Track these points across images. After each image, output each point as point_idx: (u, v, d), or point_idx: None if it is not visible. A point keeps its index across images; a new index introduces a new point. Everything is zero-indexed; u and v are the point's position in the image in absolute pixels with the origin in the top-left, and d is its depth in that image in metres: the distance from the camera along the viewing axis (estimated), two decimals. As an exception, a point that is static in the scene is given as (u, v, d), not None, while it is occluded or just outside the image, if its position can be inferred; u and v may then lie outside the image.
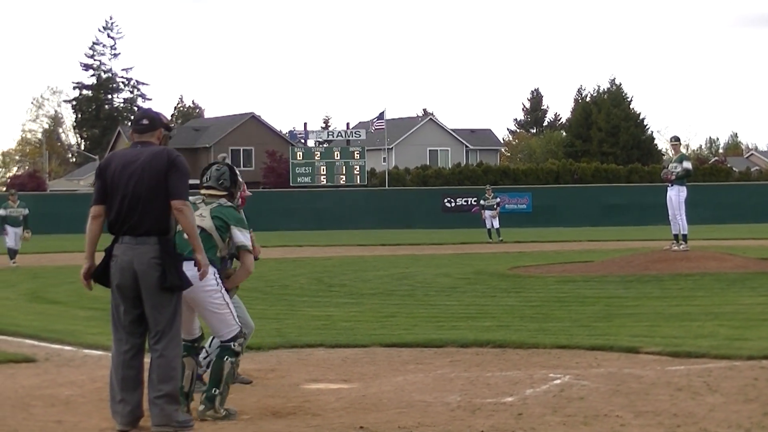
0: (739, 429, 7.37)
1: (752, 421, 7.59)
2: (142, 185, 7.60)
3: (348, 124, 72.57)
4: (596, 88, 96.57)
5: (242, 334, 8.37)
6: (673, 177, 22.54)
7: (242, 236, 8.39)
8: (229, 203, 8.49)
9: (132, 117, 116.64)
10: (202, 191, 8.48)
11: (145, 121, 7.92)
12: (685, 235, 22.70)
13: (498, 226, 41.07)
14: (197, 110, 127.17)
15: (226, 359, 8.21)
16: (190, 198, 7.96)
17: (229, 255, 8.49)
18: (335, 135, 70.36)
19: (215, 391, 8.13)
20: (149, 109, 8.33)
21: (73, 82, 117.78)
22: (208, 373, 8.43)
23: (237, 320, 8.31)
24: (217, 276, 8.20)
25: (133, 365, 7.72)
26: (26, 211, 30.16)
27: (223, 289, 8.26)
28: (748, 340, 11.57)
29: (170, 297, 7.67)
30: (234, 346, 8.24)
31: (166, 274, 7.56)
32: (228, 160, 9.65)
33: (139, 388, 7.73)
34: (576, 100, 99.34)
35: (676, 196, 22.58)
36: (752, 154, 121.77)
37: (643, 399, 8.47)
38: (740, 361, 10.34)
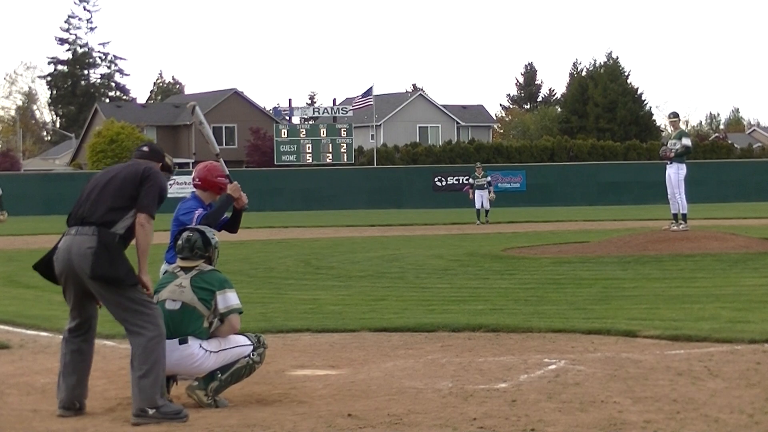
0: (741, 414, 7.28)
1: (755, 407, 7.50)
2: (103, 182, 7.72)
3: (334, 100, 72.29)
4: (592, 62, 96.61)
5: (260, 344, 8.23)
6: (672, 154, 22.42)
7: (228, 300, 8.06)
8: (209, 266, 8.17)
9: (109, 93, 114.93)
10: (179, 262, 8.18)
11: (145, 148, 8.09)
12: (684, 215, 22.61)
13: (488, 207, 40.11)
14: (177, 86, 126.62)
15: (247, 356, 8.13)
16: (169, 268, 8.21)
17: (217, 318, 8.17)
18: (321, 111, 70.17)
19: (219, 375, 7.98)
20: (154, 144, 8.61)
21: (47, 57, 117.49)
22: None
23: (243, 343, 8.12)
24: (204, 344, 7.96)
25: (77, 350, 7.78)
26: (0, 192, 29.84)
27: (212, 344, 8.00)
28: (750, 323, 11.48)
29: (120, 292, 7.53)
30: (253, 356, 8.16)
31: (95, 263, 7.46)
32: (198, 109, 9.39)
33: (77, 374, 7.74)
34: (571, 75, 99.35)
35: (675, 174, 22.48)
36: (754, 130, 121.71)
37: (642, 384, 8.39)
38: (742, 344, 10.26)
